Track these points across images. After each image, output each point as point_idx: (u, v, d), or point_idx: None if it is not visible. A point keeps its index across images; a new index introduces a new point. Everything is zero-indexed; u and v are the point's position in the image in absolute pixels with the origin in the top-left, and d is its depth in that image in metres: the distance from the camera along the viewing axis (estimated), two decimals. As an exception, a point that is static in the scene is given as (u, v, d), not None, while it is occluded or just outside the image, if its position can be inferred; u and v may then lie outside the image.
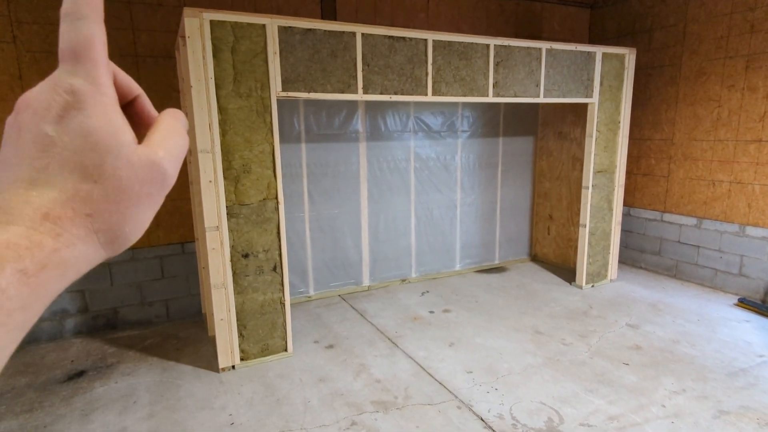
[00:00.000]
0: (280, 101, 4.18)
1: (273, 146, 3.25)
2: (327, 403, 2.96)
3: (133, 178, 0.34)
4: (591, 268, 4.92)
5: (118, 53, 3.80)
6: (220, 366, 3.33)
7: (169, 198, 4.15)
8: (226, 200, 3.17)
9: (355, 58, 3.41)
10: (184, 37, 2.96)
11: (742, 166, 4.55)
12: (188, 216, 4.25)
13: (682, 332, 3.87)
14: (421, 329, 4.01)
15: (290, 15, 3.93)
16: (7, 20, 3.46)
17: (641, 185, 5.53)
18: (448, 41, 3.76)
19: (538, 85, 4.23)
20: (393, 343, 3.77)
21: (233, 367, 3.38)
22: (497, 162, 5.59)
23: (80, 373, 3.37)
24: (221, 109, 3.06)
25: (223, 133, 3.09)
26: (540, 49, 4.18)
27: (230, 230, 3.21)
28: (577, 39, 5.94)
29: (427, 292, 4.94)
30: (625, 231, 5.73)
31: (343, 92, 3.40)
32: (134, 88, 0.39)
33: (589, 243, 4.83)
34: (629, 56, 4.65)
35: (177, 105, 4.05)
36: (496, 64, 4.00)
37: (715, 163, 4.77)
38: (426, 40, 3.67)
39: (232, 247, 3.24)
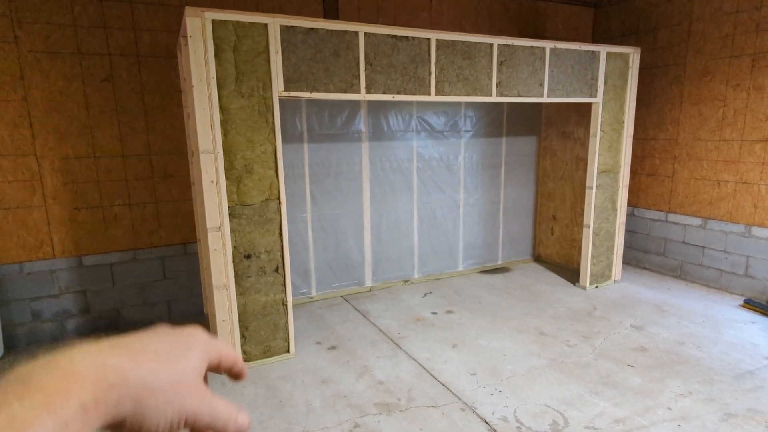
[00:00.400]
0: (282, 101, 4.16)
1: (275, 146, 3.22)
2: (329, 405, 2.93)
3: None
4: (595, 268, 4.89)
5: (119, 53, 3.79)
6: (222, 367, 3.30)
7: (171, 198, 4.14)
8: (228, 201, 3.15)
9: (358, 58, 3.39)
10: (185, 36, 2.94)
11: (747, 166, 4.51)
12: (190, 216, 4.24)
13: (688, 334, 3.83)
14: (424, 330, 3.99)
15: (292, 14, 3.91)
16: (9, 20, 3.44)
17: (645, 185, 5.49)
18: (452, 40, 3.73)
19: (541, 85, 4.20)
20: (396, 344, 3.75)
21: (235, 368, 3.35)
22: (500, 162, 5.56)
23: (82, 375, 3.35)
24: (223, 109, 3.04)
25: (225, 133, 3.07)
26: (544, 48, 4.15)
27: (232, 231, 3.19)
28: (580, 38, 5.91)
29: (430, 292, 4.92)
30: (629, 231, 5.69)
31: (345, 92, 3.38)
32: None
33: (593, 243, 4.80)
34: (633, 55, 4.61)
35: (179, 105, 4.04)
36: (500, 64, 3.97)
37: (721, 163, 4.74)
38: (429, 39, 3.64)
39: (234, 248, 3.22)
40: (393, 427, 2.70)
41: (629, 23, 5.53)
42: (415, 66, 3.62)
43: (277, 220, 3.32)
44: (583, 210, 5.16)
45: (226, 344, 0.49)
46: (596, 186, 4.68)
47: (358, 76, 3.40)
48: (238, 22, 2.99)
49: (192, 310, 4.38)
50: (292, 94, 3.22)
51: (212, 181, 3.08)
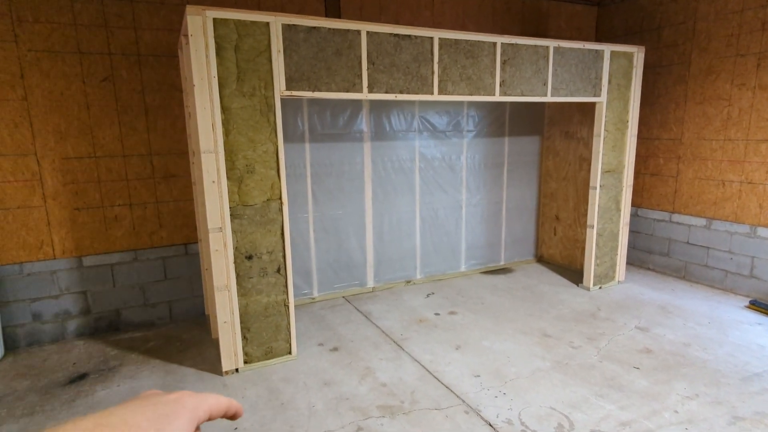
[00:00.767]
0: (283, 100, 4.13)
1: (277, 146, 3.19)
2: (332, 407, 2.90)
3: None
4: (598, 269, 4.85)
5: (120, 52, 3.76)
6: (224, 369, 3.28)
7: (172, 198, 4.11)
8: (230, 201, 3.12)
9: (360, 57, 3.35)
10: (186, 35, 2.91)
11: (753, 165, 4.47)
12: (191, 217, 4.21)
13: (693, 335, 3.80)
14: (426, 332, 3.96)
15: (294, 13, 3.87)
16: (9, 19, 3.42)
17: (649, 185, 5.45)
18: (455, 39, 3.70)
19: (545, 84, 4.17)
20: (398, 345, 3.72)
21: (237, 370, 3.33)
22: (503, 162, 5.53)
23: (82, 376, 3.33)
24: (224, 109, 3.01)
25: (227, 133, 3.04)
26: (548, 47, 4.11)
27: (234, 231, 3.16)
28: (584, 37, 5.87)
29: (433, 293, 4.89)
30: (633, 232, 5.65)
31: (347, 91, 3.35)
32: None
33: (597, 244, 4.76)
34: (638, 54, 4.58)
35: (180, 105, 4.01)
36: (503, 63, 3.94)
37: (725, 162, 4.70)
38: (432, 38, 3.61)
39: (236, 249, 3.19)
40: (396, 430, 2.67)
41: (633, 22, 5.49)
42: (418, 65, 3.58)
43: (279, 220, 3.29)
44: (586, 210, 5.13)
45: (216, 397, 0.49)
46: (600, 186, 4.64)
47: (360, 75, 3.37)
48: (239, 20, 2.96)
49: (193, 311, 4.35)
50: (294, 93, 3.19)
51: (213, 181, 3.05)
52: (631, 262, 5.71)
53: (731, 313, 4.22)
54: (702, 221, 4.95)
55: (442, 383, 3.16)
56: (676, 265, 5.26)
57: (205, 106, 2.95)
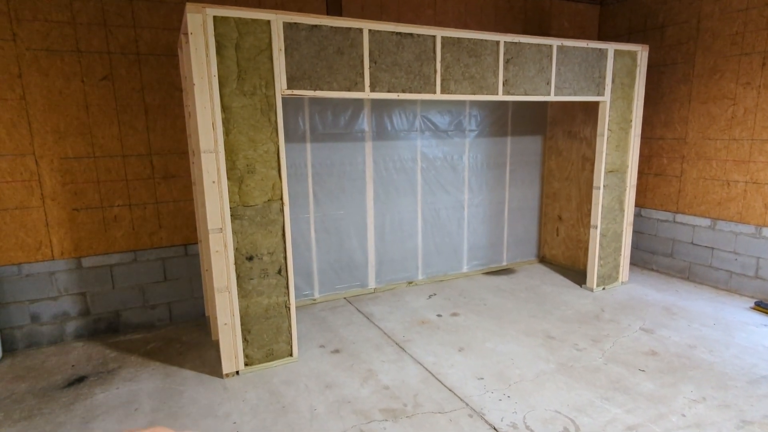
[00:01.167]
0: (285, 100, 4.10)
1: (278, 146, 3.16)
2: (334, 410, 2.86)
3: None
4: (602, 270, 4.81)
5: (119, 51, 3.72)
6: (224, 372, 3.24)
7: (172, 199, 4.08)
8: (230, 201, 3.08)
9: (362, 55, 3.32)
10: (186, 34, 2.88)
11: (758, 165, 4.43)
12: (191, 217, 4.17)
13: (699, 337, 3.75)
14: (429, 333, 3.92)
15: (295, 11, 3.83)
16: (7, 17, 3.38)
17: (653, 185, 5.41)
18: (458, 38, 3.66)
19: (548, 83, 4.13)
20: (401, 347, 3.68)
21: (237, 372, 3.29)
22: (505, 162, 5.49)
23: (81, 379, 3.29)
24: (225, 108, 2.98)
25: (227, 133, 3.01)
26: (551, 46, 4.07)
27: (234, 232, 3.12)
28: (586, 36, 5.83)
29: (435, 294, 4.84)
30: (636, 232, 5.61)
31: (349, 90, 3.31)
32: None
33: (600, 245, 4.72)
34: (641, 53, 4.54)
35: (180, 104, 3.98)
36: (506, 62, 3.90)
37: (730, 162, 4.65)
38: (435, 36, 3.57)
39: (236, 250, 3.15)
40: (399, 433, 2.63)
41: (636, 21, 5.45)
42: (421, 64, 3.55)
43: (280, 221, 3.25)
44: (589, 210, 5.09)
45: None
46: (603, 186, 4.60)
47: (362, 74, 3.33)
48: (240, 18, 2.93)
49: (193, 313, 4.32)
50: (296, 92, 3.15)
51: (214, 182, 3.01)
52: (634, 263, 5.67)
53: (736, 315, 4.18)
54: (706, 221, 4.90)
55: (445, 386, 3.12)
56: (680, 265, 5.22)
57: (205, 105, 2.92)
